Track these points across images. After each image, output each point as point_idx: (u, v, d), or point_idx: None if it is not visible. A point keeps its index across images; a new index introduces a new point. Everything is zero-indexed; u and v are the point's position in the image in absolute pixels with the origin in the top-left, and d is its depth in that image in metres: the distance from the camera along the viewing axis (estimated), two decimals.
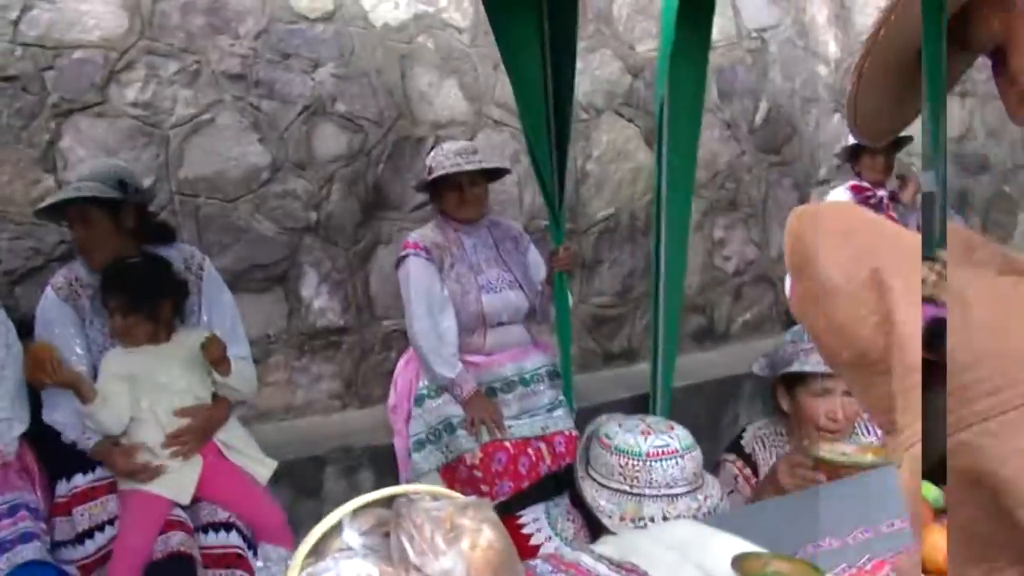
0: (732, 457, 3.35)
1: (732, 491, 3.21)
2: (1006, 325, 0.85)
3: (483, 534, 1.52)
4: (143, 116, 4.67)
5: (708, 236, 6.72)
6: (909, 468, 0.89)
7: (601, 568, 2.01)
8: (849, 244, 1.01)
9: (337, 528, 1.58)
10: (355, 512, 1.59)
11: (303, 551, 1.53)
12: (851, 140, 5.49)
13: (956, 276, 0.91)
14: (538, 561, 2.07)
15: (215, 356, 3.53)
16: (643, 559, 2.03)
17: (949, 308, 0.88)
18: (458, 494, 1.65)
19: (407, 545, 1.48)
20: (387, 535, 1.55)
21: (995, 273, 0.93)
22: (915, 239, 0.99)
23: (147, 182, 4.26)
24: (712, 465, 3.22)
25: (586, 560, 2.05)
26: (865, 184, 5.43)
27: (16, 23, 4.40)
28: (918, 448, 0.87)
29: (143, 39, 4.66)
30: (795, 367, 3.11)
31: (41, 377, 3.32)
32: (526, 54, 4.33)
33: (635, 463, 2.51)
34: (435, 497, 1.63)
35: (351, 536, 1.55)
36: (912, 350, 0.89)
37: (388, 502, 1.60)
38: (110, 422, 3.45)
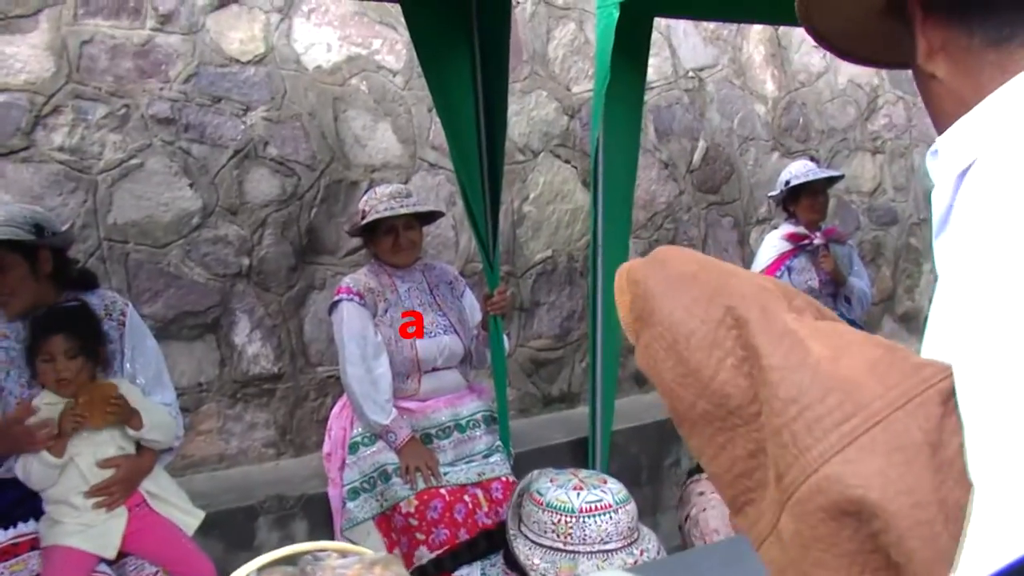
0: (701, 475, 3.33)
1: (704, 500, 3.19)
2: (842, 355, 0.85)
3: None
4: (70, 161, 4.60)
5: None
6: (798, 514, 0.85)
7: None
8: (695, 285, 0.98)
9: None
10: (260, 571, 1.54)
11: None
12: (783, 182, 5.48)
13: (784, 319, 0.90)
14: None
15: (123, 416, 3.46)
16: None
17: (785, 350, 0.87)
18: (367, 550, 1.60)
19: None
20: None
21: (813, 318, 0.93)
22: (754, 274, 0.99)
23: (70, 227, 4.16)
24: (652, 510, 3.19)
25: None
26: (800, 231, 5.42)
27: None
28: (805, 490, 0.83)
29: (70, 83, 4.60)
30: None
31: (41, 442, 3.29)
32: (458, 97, 4.31)
33: (568, 519, 2.47)
34: (343, 554, 1.57)
35: None
36: (784, 381, 0.86)
37: (295, 560, 1.55)
38: (50, 479, 3.38)
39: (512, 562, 2.56)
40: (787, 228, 5.49)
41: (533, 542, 2.50)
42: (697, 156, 6.95)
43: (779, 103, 7.39)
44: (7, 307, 3.52)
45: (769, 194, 5.85)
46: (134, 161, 4.76)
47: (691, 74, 6.90)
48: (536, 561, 2.47)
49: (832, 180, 5.57)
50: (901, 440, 0.79)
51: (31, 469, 3.32)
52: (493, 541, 2.72)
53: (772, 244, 5.48)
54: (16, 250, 3.47)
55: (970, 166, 0.84)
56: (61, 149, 4.58)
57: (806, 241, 5.40)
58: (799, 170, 5.43)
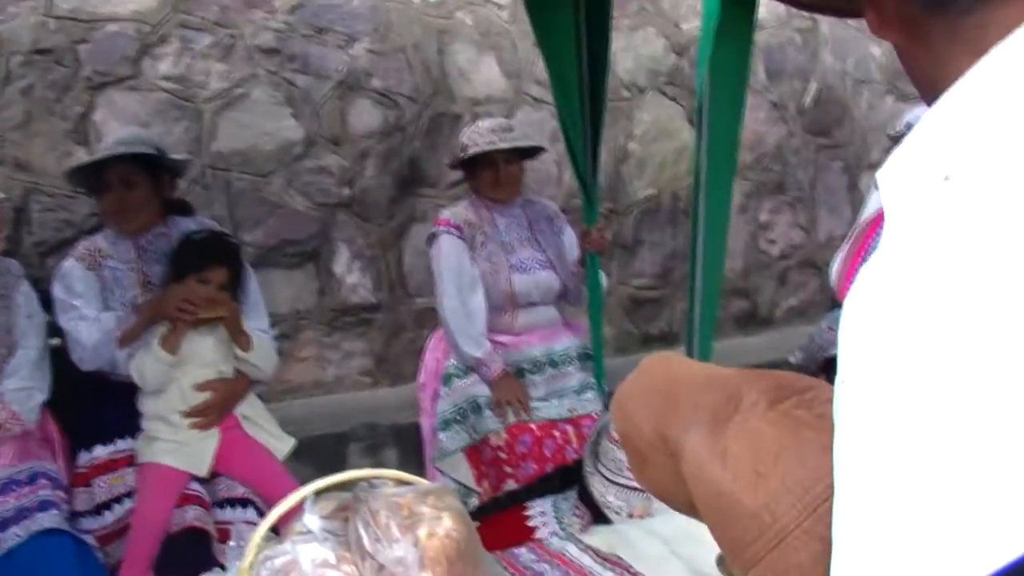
0: None
1: None
2: (758, 472, 0.92)
3: (442, 522, 1.48)
4: (176, 90, 4.69)
5: (753, 219, 6.62)
6: None
7: (585, 559, 1.97)
8: (649, 412, 1.07)
9: (300, 510, 1.55)
10: (318, 495, 1.57)
11: (259, 533, 1.51)
12: (906, 123, 5.33)
13: (719, 436, 0.97)
14: (523, 549, 2.04)
15: (233, 327, 3.53)
16: (630, 551, 1.98)
17: (711, 470, 0.95)
18: (423, 480, 1.61)
19: (362, 532, 1.46)
20: (347, 520, 1.51)
21: (765, 409, 0.98)
22: (700, 383, 1.07)
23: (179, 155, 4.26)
24: None
25: (571, 550, 2.01)
26: None
27: None
28: None
29: (176, 12, 4.68)
30: (835, 351, 3.02)
31: (192, 311, 3.39)
32: (561, 32, 4.27)
33: None
34: (400, 483, 1.59)
35: (311, 520, 1.53)
36: (709, 511, 0.96)
37: (350, 486, 1.58)
38: (162, 379, 3.48)
39: (585, 499, 2.56)
40: None
41: (609, 480, 2.49)
42: (808, 98, 6.81)
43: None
44: (126, 224, 3.63)
45: (889, 132, 5.68)
46: (238, 90, 4.84)
47: (804, 14, 6.75)
48: (611, 499, 2.46)
49: None
50: (789, 562, 0.87)
51: (145, 366, 3.42)
52: (568, 477, 2.72)
53: None
54: (144, 168, 3.58)
55: (918, 205, 0.77)
56: (167, 78, 4.66)
57: None
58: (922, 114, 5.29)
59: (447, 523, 1.48)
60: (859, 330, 0.73)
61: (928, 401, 0.64)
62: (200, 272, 3.46)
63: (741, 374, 1.07)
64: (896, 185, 0.79)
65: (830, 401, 0.94)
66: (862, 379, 0.71)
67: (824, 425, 0.90)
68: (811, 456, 0.90)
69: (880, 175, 0.82)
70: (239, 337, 3.56)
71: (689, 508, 1.03)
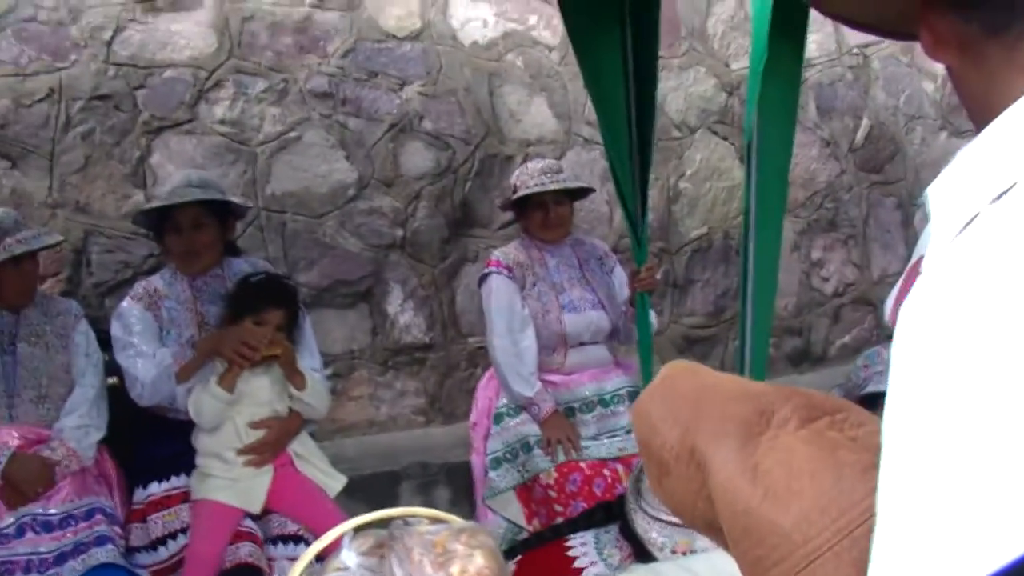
0: None
1: None
2: (792, 490, 0.88)
3: (474, 560, 1.51)
4: (231, 133, 4.78)
5: (805, 256, 6.60)
6: None
7: None
8: (674, 422, 1.04)
9: (338, 547, 1.58)
10: (357, 531, 1.60)
11: (298, 569, 1.54)
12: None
13: (740, 458, 0.93)
14: None
15: (288, 367, 3.60)
16: None
17: (733, 495, 0.91)
18: (458, 518, 1.64)
19: (397, 569, 1.48)
20: (384, 557, 1.55)
21: (796, 428, 0.94)
22: (729, 394, 1.02)
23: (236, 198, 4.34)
24: None
25: None
26: None
27: (109, 43, 4.56)
28: None
29: (232, 58, 4.78)
30: (871, 388, 3.05)
31: (250, 355, 3.45)
32: (609, 74, 4.29)
33: None
34: (435, 520, 1.62)
35: (348, 556, 1.56)
36: (734, 524, 0.92)
37: (387, 524, 1.61)
38: (219, 417, 3.55)
39: (627, 533, 2.57)
40: None
41: (652, 516, 2.49)
42: (860, 134, 6.80)
43: (949, 81, 7.15)
44: (193, 264, 3.72)
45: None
46: (292, 134, 4.92)
47: (855, 51, 6.75)
48: (654, 535, 2.46)
49: None
50: None
51: (203, 403, 3.50)
52: (611, 513, 2.73)
53: None
54: (214, 211, 3.69)
55: (970, 222, 0.76)
56: (222, 122, 4.76)
57: None
58: None
59: (479, 560, 1.50)
60: (908, 348, 0.73)
61: (973, 416, 0.63)
62: (258, 314, 3.54)
63: (773, 389, 1.03)
64: (946, 201, 0.79)
65: (862, 425, 0.94)
66: (908, 399, 0.71)
67: (857, 448, 0.91)
68: (848, 477, 0.88)
69: (931, 190, 0.82)
70: (294, 376, 3.63)
71: (705, 525, 1.01)
